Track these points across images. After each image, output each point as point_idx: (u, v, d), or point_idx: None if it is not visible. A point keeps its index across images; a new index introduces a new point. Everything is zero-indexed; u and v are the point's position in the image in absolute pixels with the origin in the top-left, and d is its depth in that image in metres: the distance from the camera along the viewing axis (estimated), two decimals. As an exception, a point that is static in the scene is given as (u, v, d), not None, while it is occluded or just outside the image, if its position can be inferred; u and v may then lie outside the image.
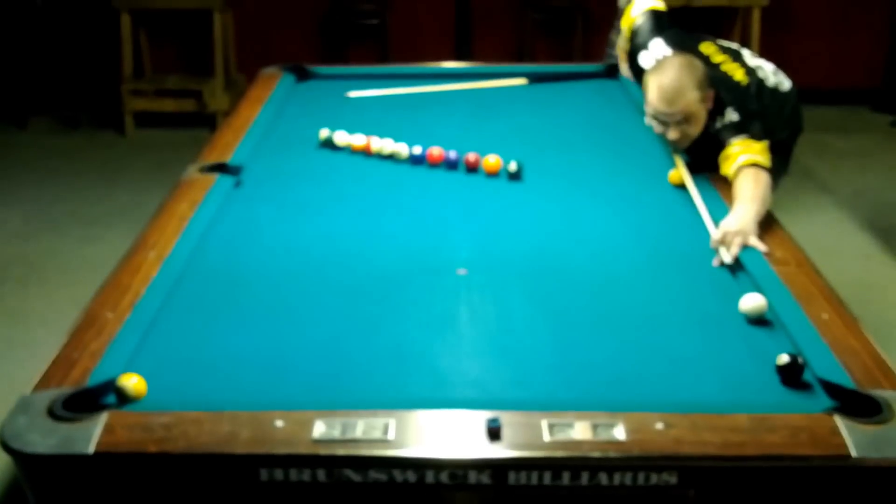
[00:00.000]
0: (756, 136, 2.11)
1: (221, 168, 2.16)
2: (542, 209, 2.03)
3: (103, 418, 1.21)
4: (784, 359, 1.36)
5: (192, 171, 2.14)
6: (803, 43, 5.26)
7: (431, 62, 3.28)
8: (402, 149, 2.28)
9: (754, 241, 1.78)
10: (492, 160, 2.19)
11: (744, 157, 2.04)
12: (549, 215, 2.00)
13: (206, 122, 4.98)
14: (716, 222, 1.87)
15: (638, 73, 2.43)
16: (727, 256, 1.74)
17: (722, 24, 5.19)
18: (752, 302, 1.53)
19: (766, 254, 1.75)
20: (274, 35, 5.27)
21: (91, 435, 1.18)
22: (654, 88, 2.12)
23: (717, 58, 2.31)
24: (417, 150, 2.26)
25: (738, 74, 2.28)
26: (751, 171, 2.00)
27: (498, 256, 1.79)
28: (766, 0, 4.85)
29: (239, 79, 5.16)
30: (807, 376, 1.35)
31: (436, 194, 2.11)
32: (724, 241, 1.77)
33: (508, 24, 5.23)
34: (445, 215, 2.00)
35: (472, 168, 2.22)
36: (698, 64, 2.15)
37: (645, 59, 2.40)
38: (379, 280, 1.68)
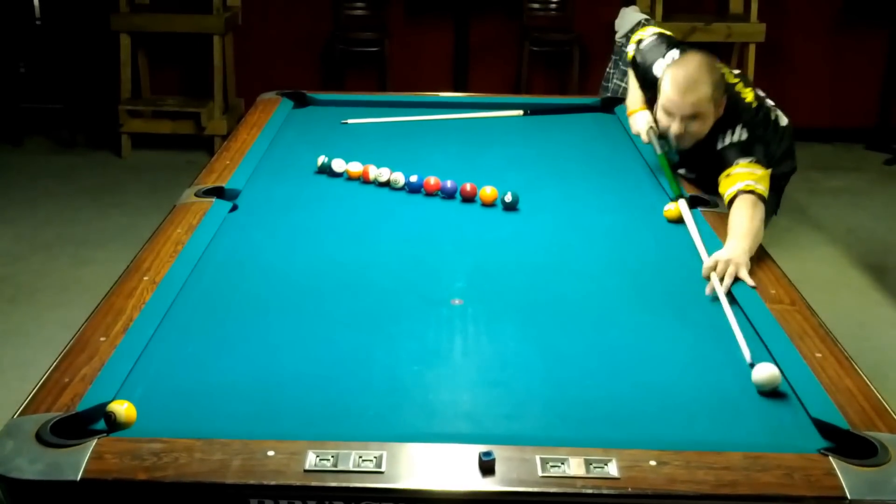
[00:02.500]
0: (761, 162, 2.09)
1: (218, 192, 2.16)
2: (538, 241, 2.04)
3: (92, 445, 1.20)
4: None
5: (188, 195, 2.14)
6: (798, 80, 5.33)
7: (429, 91, 3.31)
8: (399, 177, 2.29)
9: (744, 275, 1.77)
10: (488, 191, 2.20)
11: (746, 182, 2.02)
12: (544, 247, 2.01)
13: (204, 145, 5.00)
14: (710, 255, 1.88)
15: (651, 85, 2.36)
16: (719, 287, 1.74)
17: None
18: (766, 373, 1.44)
19: (755, 288, 1.76)
20: (273, 60, 5.31)
21: (79, 461, 1.17)
22: (671, 77, 2.11)
23: (731, 78, 2.30)
24: (414, 178, 2.27)
25: (749, 97, 2.29)
26: (749, 200, 1.98)
27: (493, 288, 1.80)
28: (761, 37, 4.93)
29: (237, 103, 5.19)
30: (801, 416, 1.35)
31: (432, 224, 2.12)
32: (715, 270, 1.77)
33: (506, 56, 5.29)
34: (441, 245, 2.00)
35: (469, 198, 2.23)
36: (718, 67, 2.14)
37: (660, 67, 2.33)
38: (373, 309, 1.68)
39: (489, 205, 2.20)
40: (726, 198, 2.05)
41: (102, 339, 1.49)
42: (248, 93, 4.83)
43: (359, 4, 5.27)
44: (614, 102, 3.05)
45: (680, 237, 2.03)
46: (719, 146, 2.14)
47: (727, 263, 1.77)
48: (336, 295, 1.74)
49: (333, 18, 5.22)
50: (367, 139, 2.71)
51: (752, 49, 4.96)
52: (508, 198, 2.18)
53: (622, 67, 4.27)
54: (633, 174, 2.46)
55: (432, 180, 2.26)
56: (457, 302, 1.71)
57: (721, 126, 2.15)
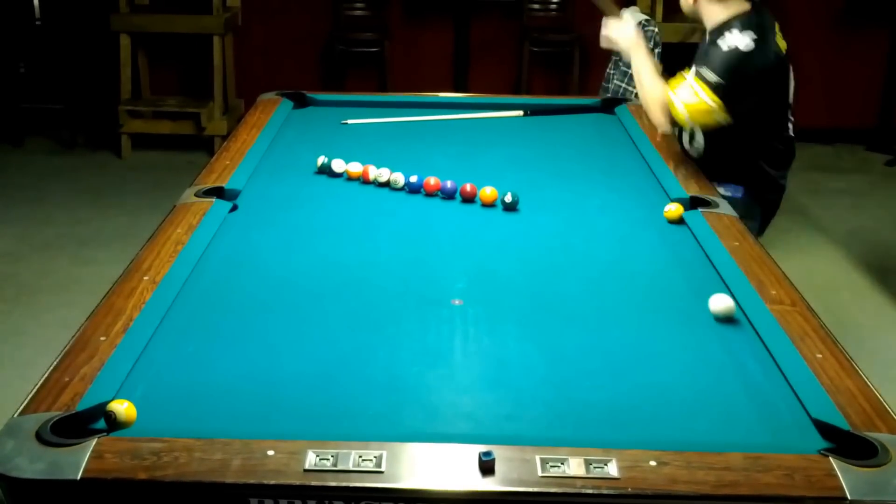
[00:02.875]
0: (716, 90, 2.20)
1: (218, 192, 2.17)
2: (538, 241, 2.04)
3: (92, 444, 1.20)
4: None
5: (188, 195, 2.14)
6: (799, 80, 5.32)
7: (429, 92, 3.31)
8: (399, 177, 2.29)
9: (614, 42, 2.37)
10: (488, 191, 2.21)
11: (682, 103, 2.26)
12: (544, 248, 2.01)
13: (204, 146, 5.01)
14: (712, 258, 1.89)
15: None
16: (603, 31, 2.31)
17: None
18: (721, 304, 1.63)
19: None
20: (273, 61, 5.32)
21: (79, 461, 1.17)
22: None
23: (777, 30, 2.43)
24: (414, 178, 2.28)
25: (781, 43, 2.40)
26: (668, 91, 2.30)
27: (493, 288, 1.80)
28: (762, 38, 4.92)
29: (237, 103, 5.20)
30: (801, 417, 1.35)
31: (432, 224, 2.12)
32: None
33: (506, 57, 5.30)
34: (441, 246, 2.01)
35: (469, 198, 2.23)
36: None
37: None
38: (373, 309, 1.68)
39: (489, 205, 2.20)
40: (671, 84, 2.33)
41: (102, 338, 1.49)
42: (248, 93, 4.84)
43: (358, 5, 5.28)
44: (615, 103, 3.06)
45: (681, 238, 2.04)
46: (722, 44, 2.27)
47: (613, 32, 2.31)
48: (336, 295, 1.74)
49: (333, 19, 5.23)
50: (367, 139, 2.71)
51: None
52: (508, 198, 2.18)
53: (622, 68, 4.27)
54: (634, 174, 2.46)
55: (432, 181, 2.26)
56: (457, 302, 1.72)
57: (731, 25, 2.28)
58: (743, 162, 2.48)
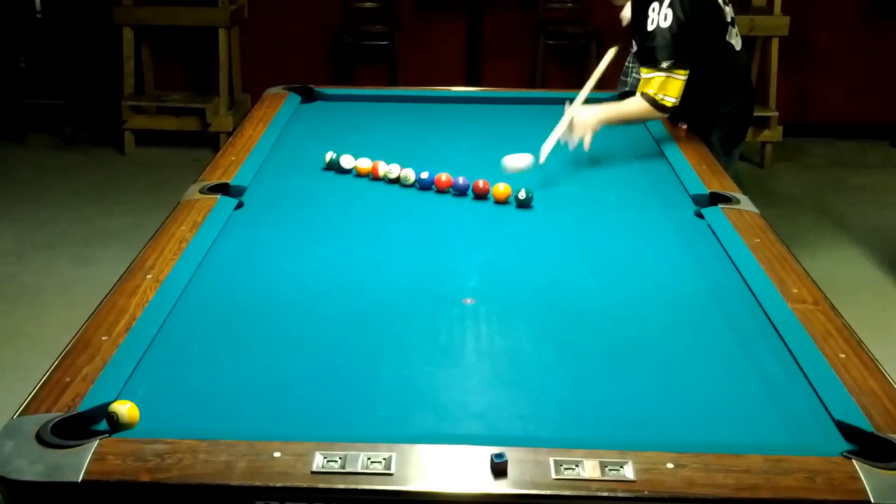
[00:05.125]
0: (679, 66, 2.51)
1: (224, 189, 2.18)
2: (553, 239, 2.04)
3: (94, 445, 1.21)
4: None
5: (193, 192, 2.16)
6: (822, 76, 5.30)
7: (441, 86, 3.31)
8: (410, 174, 2.30)
9: (587, 138, 2.44)
10: (501, 188, 2.21)
11: (657, 94, 2.55)
12: (559, 245, 2.01)
13: (209, 142, 5.03)
14: (732, 255, 1.88)
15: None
16: (571, 143, 2.43)
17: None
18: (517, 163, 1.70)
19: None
20: (280, 55, 5.34)
21: (80, 462, 1.18)
22: None
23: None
24: (425, 175, 2.28)
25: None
26: (640, 99, 2.59)
27: (506, 286, 1.80)
28: (784, 30, 4.90)
29: (243, 99, 5.21)
30: (823, 418, 1.35)
31: (443, 221, 2.12)
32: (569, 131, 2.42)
33: (521, 50, 5.29)
34: (453, 243, 2.01)
35: (481, 195, 2.23)
36: None
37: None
38: (382, 308, 1.68)
39: (502, 202, 2.20)
40: (640, 89, 2.59)
41: (105, 338, 1.50)
42: (255, 88, 4.85)
43: (368, -4, 5.28)
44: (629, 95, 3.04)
45: (700, 235, 2.03)
46: (648, 26, 2.56)
47: (574, 126, 2.43)
48: (344, 293, 1.75)
49: (343, 11, 5.24)
50: (378, 134, 2.71)
51: (775, 43, 4.93)
52: (522, 195, 2.18)
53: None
54: (652, 170, 2.45)
55: (443, 177, 2.26)
56: (469, 301, 1.72)
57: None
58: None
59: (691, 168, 2.39)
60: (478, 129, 2.80)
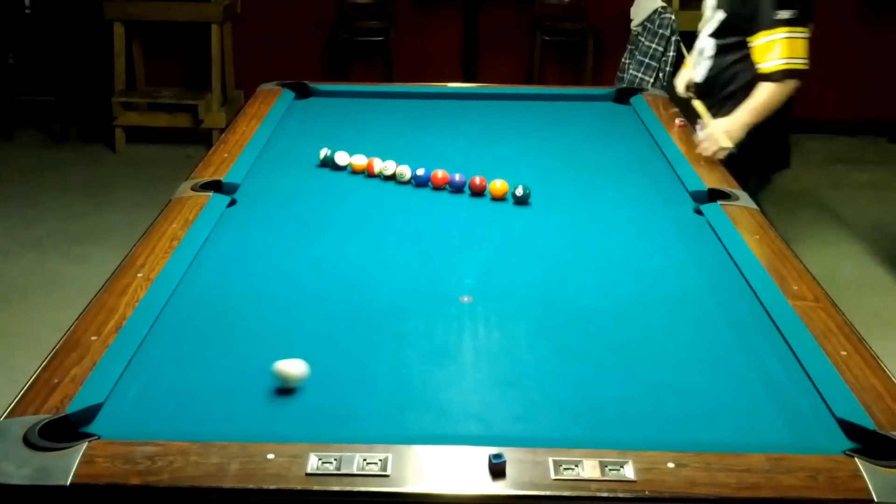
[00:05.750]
0: (799, 19, 2.23)
1: (216, 186, 2.16)
2: (550, 236, 2.03)
3: (83, 448, 1.20)
4: None
5: (184, 189, 2.14)
6: (821, 72, 5.28)
7: (438, 82, 3.30)
8: (405, 170, 2.29)
9: (719, 154, 2.36)
10: (498, 184, 2.19)
11: (784, 60, 2.27)
12: (557, 243, 2.00)
13: (201, 139, 5.00)
14: (731, 252, 1.88)
15: None
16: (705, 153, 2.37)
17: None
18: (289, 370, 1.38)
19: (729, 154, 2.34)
20: (274, 51, 5.32)
21: (69, 465, 1.17)
22: None
23: None
24: (421, 172, 2.27)
25: None
26: (763, 85, 2.34)
27: (504, 284, 1.79)
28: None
29: (236, 95, 5.20)
30: (825, 416, 1.34)
31: (439, 218, 2.11)
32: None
33: (517, 46, 5.28)
34: (449, 240, 2.00)
35: (478, 192, 2.22)
36: None
37: None
38: (378, 307, 1.67)
39: (499, 199, 2.19)
40: (762, 69, 2.31)
41: (94, 338, 1.49)
42: (248, 84, 4.83)
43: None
44: (630, 93, 3.04)
45: (700, 231, 2.02)
46: None
47: (707, 141, 2.36)
48: (339, 292, 1.73)
49: (337, 7, 5.22)
50: (373, 131, 2.70)
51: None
52: (520, 191, 2.17)
53: (638, 57, 4.26)
54: (650, 167, 2.45)
55: (440, 173, 2.25)
56: (466, 299, 1.71)
57: None
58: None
59: (689, 164, 2.38)
60: (474, 126, 2.78)
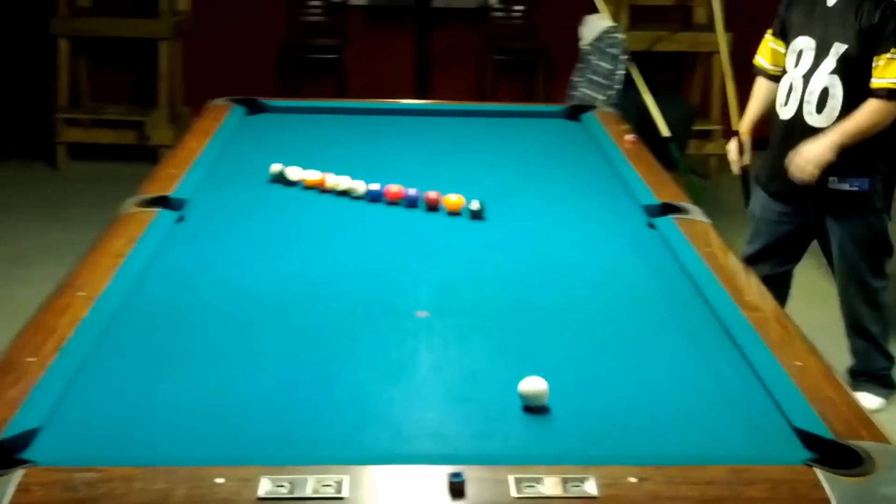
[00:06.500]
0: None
1: (163, 202, 2.10)
2: (506, 250, 2.01)
3: (18, 476, 1.13)
4: None
5: (130, 205, 2.07)
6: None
7: (390, 98, 3.28)
8: (359, 185, 2.25)
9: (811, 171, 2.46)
10: (453, 198, 2.17)
11: (881, 80, 2.43)
12: (513, 256, 1.98)
13: (148, 157, 4.89)
14: (685, 265, 1.88)
15: None
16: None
17: (684, 70, 5.33)
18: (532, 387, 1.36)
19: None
20: (225, 68, 5.24)
21: (2, 494, 1.10)
22: None
23: None
24: (375, 186, 2.23)
25: None
26: (874, 103, 2.45)
27: (460, 299, 1.76)
28: (727, 46, 4.99)
29: (185, 112, 5.10)
30: (784, 427, 1.34)
31: (394, 233, 2.08)
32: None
33: (470, 64, 5.30)
34: (404, 255, 1.97)
35: (433, 206, 2.20)
36: None
37: None
38: (332, 324, 1.63)
39: (455, 213, 2.17)
40: (871, 86, 2.44)
41: (31, 359, 1.42)
42: (198, 101, 4.74)
43: (315, 10, 5.24)
44: (582, 110, 3.07)
45: (653, 245, 2.03)
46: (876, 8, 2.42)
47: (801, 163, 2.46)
48: (292, 309, 1.69)
49: (289, 24, 5.18)
50: (326, 145, 2.67)
51: (717, 59, 5.03)
52: (475, 205, 2.15)
53: (589, 76, 4.31)
54: (603, 182, 2.46)
55: (394, 188, 2.22)
56: (422, 314, 1.67)
57: None
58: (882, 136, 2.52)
59: (641, 179, 2.40)
60: (429, 142, 2.77)
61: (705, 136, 5.04)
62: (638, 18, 4.91)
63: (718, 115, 4.97)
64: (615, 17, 4.76)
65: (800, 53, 2.63)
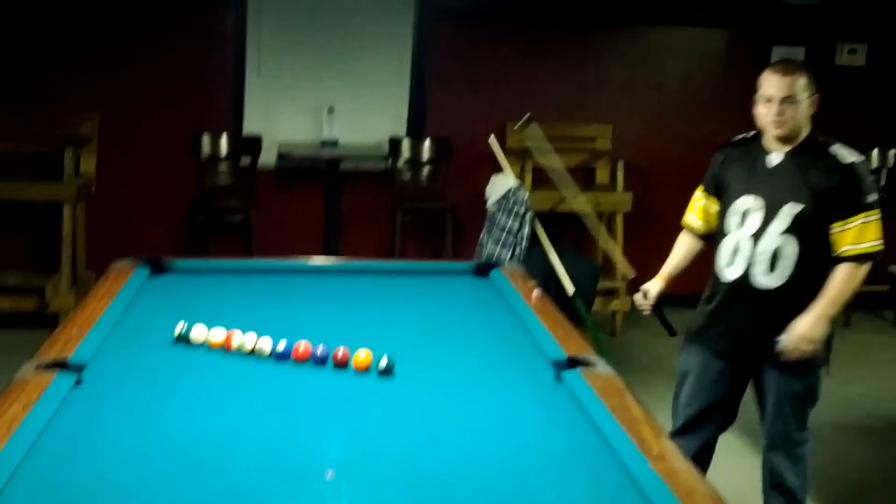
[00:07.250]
0: (874, 206, 2.47)
1: (61, 365, 2.06)
2: (415, 408, 2.04)
3: None
4: None
5: (27, 370, 2.02)
6: (667, 246, 5.73)
7: (298, 257, 3.35)
8: (266, 344, 2.26)
9: (812, 347, 2.52)
10: (361, 356, 2.21)
11: (865, 244, 2.48)
12: (421, 413, 2.01)
13: (49, 323, 4.73)
14: (593, 418, 1.94)
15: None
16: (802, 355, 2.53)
17: (586, 230, 5.63)
18: None
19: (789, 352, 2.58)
20: (130, 229, 5.24)
21: None
22: (770, 67, 2.56)
23: None
24: (282, 345, 2.25)
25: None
26: (851, 268, 2.50)
27: (369, 457, 1.76)
28: (628, 206, 5.34)
29: (88, 275, 5.02)
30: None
31: (301, 392, 2.09)
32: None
33: (379, 223, 5.47)
34: (312, 415, 1.97)
35: (341, 364, 2.22)
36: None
37: None
38: (235, 488, 1.60)
39: (363, 371, 2.20)
40: (843, 253, 2.49)
41: None
42: (101, 264, 4.70)
43: (223, 173, 5.36)
44: (489, 267, 3.19)
45: (561, 398, 2.09)
46: (843, 159, 2.49)
47: (797, 345, 2.53)
48: (193, 474, 1.65)
49: (196, 185, 5.27)
50: (233, 304, 2.68)
51: (620, 217, 5.36)
52: (384, 363, 2.19)
53: (495, 233, 4.51)
54: (511, 336, 2.54)
55: (301, 347, 2.24)
56: (330, 475, 1.67)
57: (822, 133, 2.53)
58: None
59: (549, 333, 2.49)
60: (337, 300, 2.82)
61: (610, 294, 5.27)
62: (541, 179, 5.18)
63: (622, 274, 5.21)
64: (520, 177, 5.06)
65: (744, 214, 2.64)
